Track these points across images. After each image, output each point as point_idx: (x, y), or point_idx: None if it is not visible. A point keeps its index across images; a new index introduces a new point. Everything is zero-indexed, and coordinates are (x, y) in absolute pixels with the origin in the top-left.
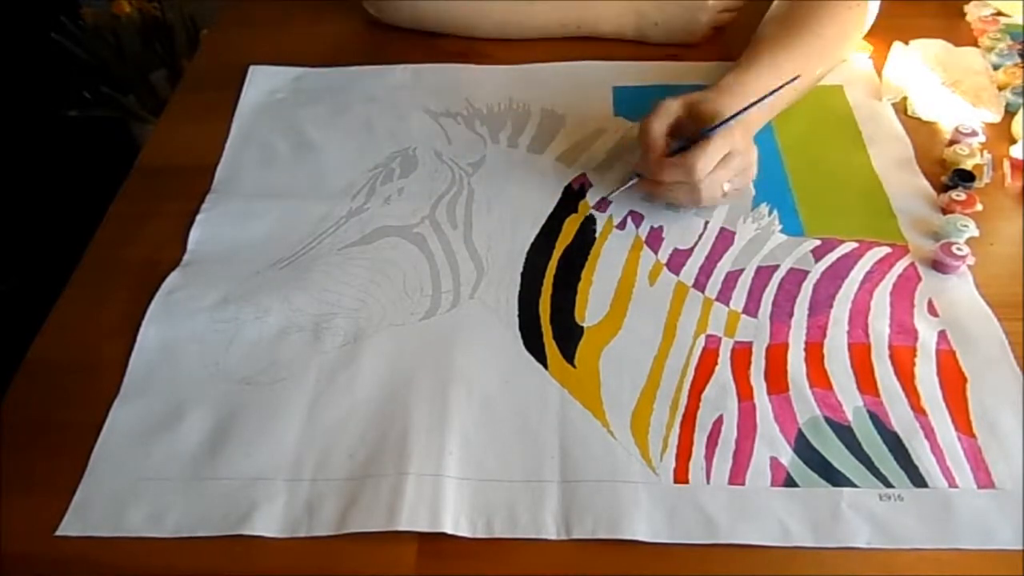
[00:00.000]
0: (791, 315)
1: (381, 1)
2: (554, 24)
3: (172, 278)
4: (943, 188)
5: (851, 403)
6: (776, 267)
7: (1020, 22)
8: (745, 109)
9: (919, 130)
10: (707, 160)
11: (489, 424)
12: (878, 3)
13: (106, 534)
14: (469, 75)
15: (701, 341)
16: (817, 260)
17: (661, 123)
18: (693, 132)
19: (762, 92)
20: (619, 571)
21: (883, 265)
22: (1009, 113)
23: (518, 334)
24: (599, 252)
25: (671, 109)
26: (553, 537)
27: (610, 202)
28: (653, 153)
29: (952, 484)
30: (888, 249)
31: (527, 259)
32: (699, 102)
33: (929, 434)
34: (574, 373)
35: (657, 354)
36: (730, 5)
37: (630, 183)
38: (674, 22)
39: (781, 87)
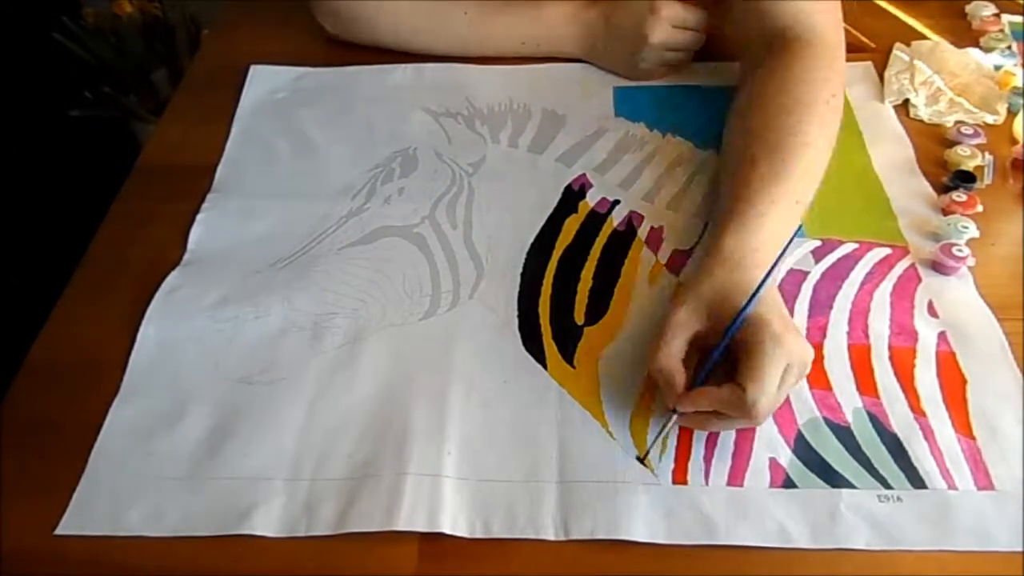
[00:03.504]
0: (791, 316)
1: (339, 19)
2: (513, 44)
3: (172, 278)
4: (944, 189)
5: (850, 404)
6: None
7: (1021, 22)
8: (759, 288)
9: (920, 131)
10: (769, 395)
11: (488, 424)
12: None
13: (105, 533)
14: (470, 75)
15: None
16: (817, 261)
17: (675, 350)
18: (715, 330)
19: (770, 245)
20: (618, 572)
21: (883, 266)
22: (1010, 114)
23: (517, 334)
24: (599, 252)
25: (681, 324)
26: (552, 538)
27: (615, 202)
28: (676, 388)
29: (951, 486)
30: (888, 250)
31: (527, 259)
32: (716, 298)
33: (928, 435)
34: (573, 373)
35: None
36: (678, 45)
37: (671, 423)
38: (618, 56)
39: (781, 255)
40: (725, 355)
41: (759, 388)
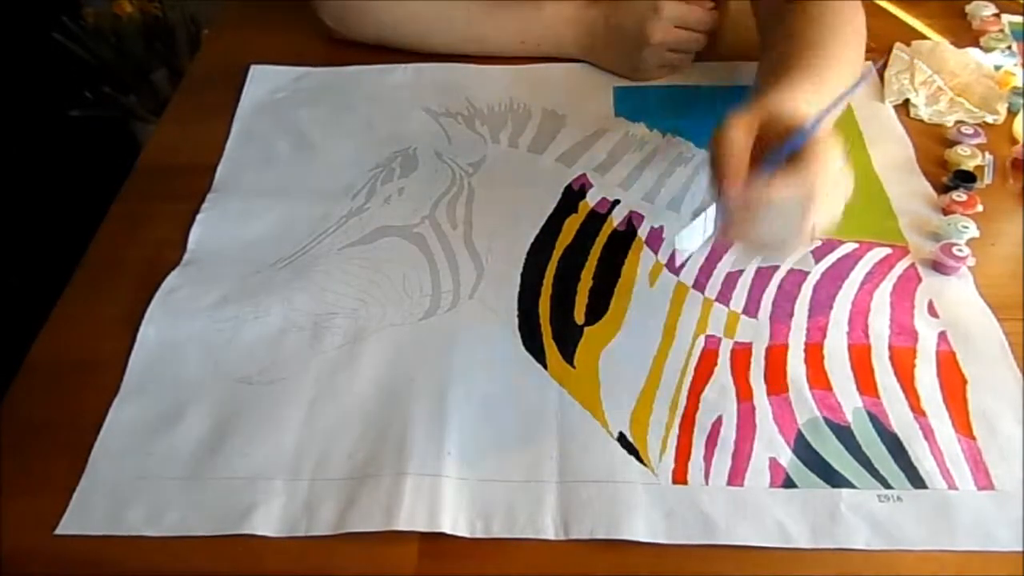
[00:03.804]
0: (791, 316)
1: (340, 16)
2: (514, 42)
3: (172, 278)
4: (944, 189)
5: (850, 404)
6: (776, 268)
7: (1021, 22)
8: (824, 114)
9: (920, 131)
10: (828, 159)
11: (488, 424)
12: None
13: (105, 533)
14: (470, 75)
15: (701, 342)
16: (817, 261)
17: (743, 133)
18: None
19: (827, 90)
20: (618, 571)
21: (883, 266)
22: (1010, 114)
23: (517, 334)
24: (599, 252)
25: (748, 121)
26: (552, 537)
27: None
28: (738, 172)
29: (951, 485)
30: (888, 250)
31: (527, 259)
32: (768, 114)
33: (928, 435)
34: (573, 373)
35: (656, 354)
36: (680, 45)
37: (711, 215)
38: (619, 56)
39: (852, 88)
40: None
41: (819, 154)
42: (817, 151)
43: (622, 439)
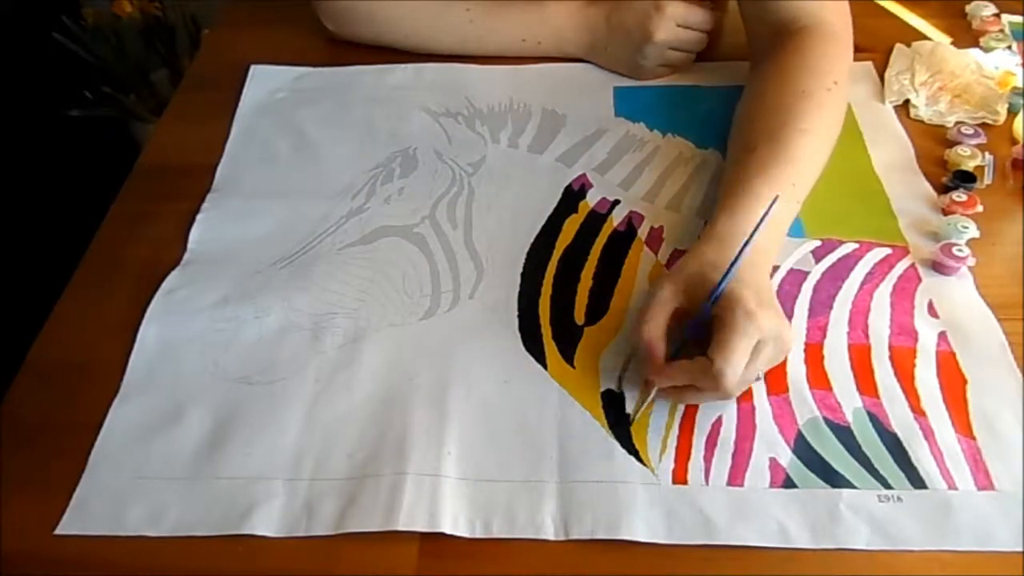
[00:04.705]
0: (791, 316)
1: (340, 17)
2: (514, 41)
3: (172, 278)
4: (944, 189)
5: (850, 404)
6: (776, 268)
7: (1021, 22)
8: (735, 261)
9: (920, 131)
10: (735, 366)
11: (488, 424)
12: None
13: (105, 533)
14: (470, 75)
15: None
16: (817, 261)
17: (658, 324)
18: (695, 305)
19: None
20: (618, 572)
21: (883, 266)
22: (1010, 114)
23: (517, 334)
24: (599, 252)
25: (665, 300)
26: (552, 538)
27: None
28: (657, 360)
29: (951, 486)
30: (888, 250)
31: (527, 259)
32: (698, 275)
33: (928, 435)
34: (573, 373)
35: None
36: (682, 44)
37: (651, 398)
38: (621, 54)
39: (765, 215)
40: (704, 332)
41: (725, 359)
42: (722, 354)
43: (622, 439)
